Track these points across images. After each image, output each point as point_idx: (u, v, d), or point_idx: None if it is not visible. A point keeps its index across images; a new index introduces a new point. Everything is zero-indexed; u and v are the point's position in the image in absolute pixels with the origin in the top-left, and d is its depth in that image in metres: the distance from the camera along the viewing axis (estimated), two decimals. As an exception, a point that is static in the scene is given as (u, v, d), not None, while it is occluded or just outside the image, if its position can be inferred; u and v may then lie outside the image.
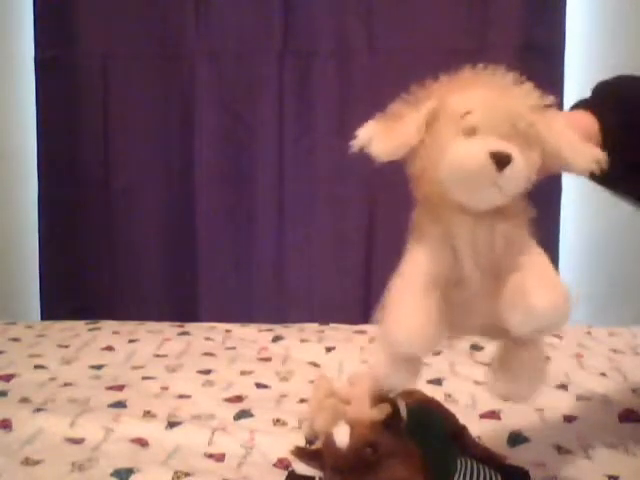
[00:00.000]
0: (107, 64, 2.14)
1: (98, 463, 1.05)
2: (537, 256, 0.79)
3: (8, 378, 1.40)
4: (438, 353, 1.51)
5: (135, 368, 1.47)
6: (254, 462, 1.07)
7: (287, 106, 2.11)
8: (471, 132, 0.75)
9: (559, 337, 1.58)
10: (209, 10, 2.09)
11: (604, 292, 2.03)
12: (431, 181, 0.77)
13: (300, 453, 0.92)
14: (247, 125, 2.14)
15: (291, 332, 1.71)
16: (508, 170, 0.72)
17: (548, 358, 0.85)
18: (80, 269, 2.23)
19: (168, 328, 1.76)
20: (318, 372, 1.43)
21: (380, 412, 0.84)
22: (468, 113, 0.75)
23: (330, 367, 1.46)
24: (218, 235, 2.17)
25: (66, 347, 1.59)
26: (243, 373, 1.44)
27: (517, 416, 1.21)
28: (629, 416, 1.20)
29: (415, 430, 0.87)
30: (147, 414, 1.23)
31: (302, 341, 1.65)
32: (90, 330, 1.73)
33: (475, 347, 1.56)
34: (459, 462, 0.90)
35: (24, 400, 1.29)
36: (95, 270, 2.23)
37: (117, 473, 1.01)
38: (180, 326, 1.78)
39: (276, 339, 1.66)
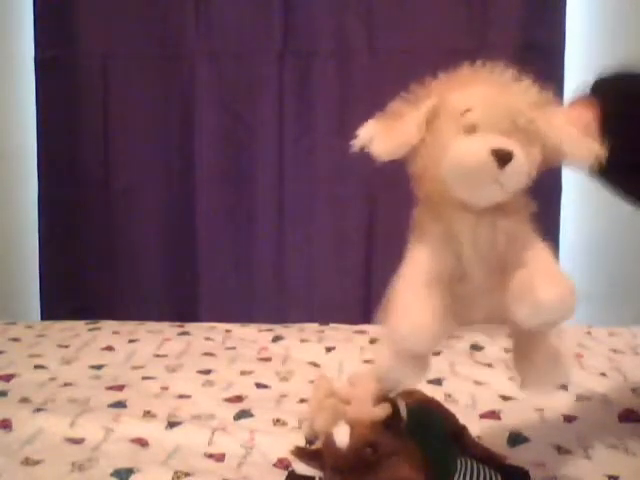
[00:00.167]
0: (107, 64, 2.14)
1: (98, 463, 1.05)
2: (541, 251, 0.79)
3: (8, 378, 1.39)
4: (438, 353, 1.51)
5: (135, 368, 1.47)
6: (254, 462, 1.07)
7: (287, 106, 2.11)
8: (472, 129, 0.75)
9: (559, 337, 1.58)
10: (209, 10, 2.09)
11: (604, 292, 2.03)
12: (432, 179, 0.77)
13: (300, 453, 0.92)
14: (247, 125, 2.14)
15: (291, 332, 1.71)
16: (509, 167, 0.73)
17: (560, 350, 0.85)
18: (80, 269, 2.23)
19: (168, 328, 1.76)
20: (318, 372, 1.43)
21: (380, 412, 0.84)
22: (468, 110, 0.76)
23: (330, 367, 1.46)
24: (218, 235, 2.17)
25: (66, 347, 1.59)
26: (243, 373, 1.44)
27: (517, 416, 1.21)
28: (629, 416, 1.20)
29: (415, 430, 0.87)
30: (147, 414, 1.23)
31: (302, 341, 1.65)
32: (90, 330, 1.73)
33: (475, 347, 1.57)
34: (459, 462, 0.90)
35: (24, 400, 1.29)
36: (95, 270, 2.23)
37: (117, 473, 1.01)
38: (180, 326, 1.78)
39: (276, 339, 1.66)
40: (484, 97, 0.77)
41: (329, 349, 1.58)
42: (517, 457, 1.04)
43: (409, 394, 0.97)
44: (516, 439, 1.12)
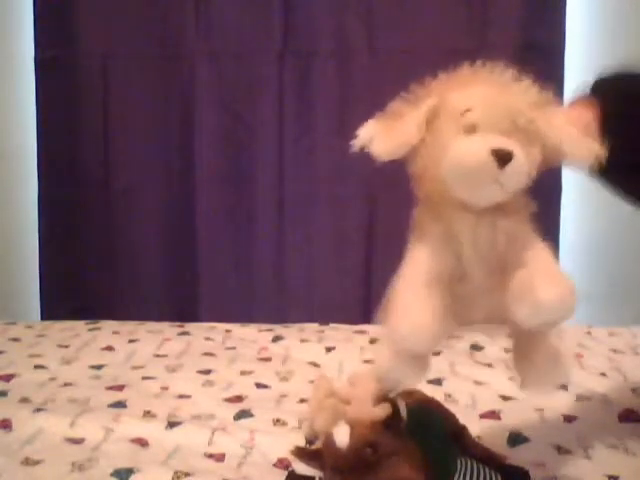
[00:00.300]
0: (107, 64, 2.14)
1: (98, 463, 1.05)
2: (541, 251, 0.79)
3: (8, 378, 1.39)
4: (438, 353, 1.51)
5: (135, 368, 1.47)
6: (254, 462, 1.07)
7: (287, 106, 2.11)
8: (472, 129, 0.75)
9: (559, 337, 1.58)
10: (209, 10, 2.09)
11: (604, 292, 2.03)
12: (432, 179, 0.77)
13: (300, 453, 0.92)
14: (247, 125, 2.14)
15: (291, 332, 1.71)
16: (509, 167, 0.73)
17: (560, 350, 0.86)
18: (80, 269, 2.23)
19: (168, 328, 1.76)
20: (318, 372, 1.43)
21: (380, 412, 0.84)
22: (468, 110, 0.76)
23: (330, 367, 1.46)
24: (218, 235, 2.17)
25: (66, 347, 1.59)
26: (243, 373, 1.44)
27: (517, 416, 1.21)
28: (629, 416, 1.20)
29: (415, 430, 0.87)
30: (147, 414, 1.23)
31: (302, 341, 1.65)
32: (90, 330, 1.73)
33: (475, 347, 1.57)
34: (459, 462, 0.90)
35: (24, 400, 1.29)
36: (95, 270, 2.23)
37: (117, 473, 1.01)
38: (180, 326, 1.78)
39: (276, 339, 1.66)
40: (484, 97, 0.77)
41: (329, 349, 1.58)
42: (517, 457, 1.04)
43: (409, 394, 0.97)
44: (516, 439, 1.12)
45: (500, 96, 0.77)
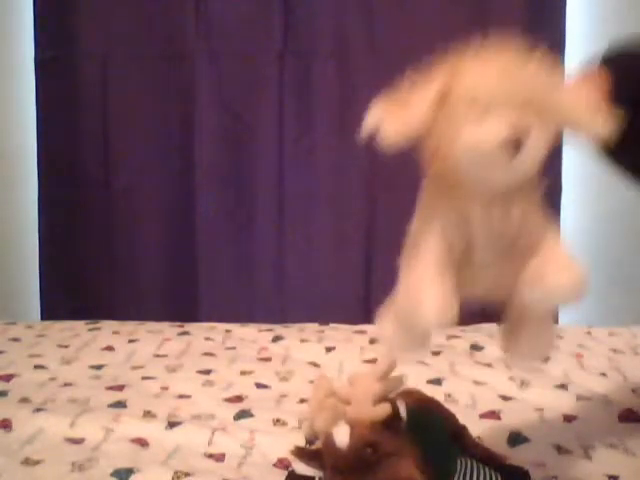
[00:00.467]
0: (107, 64, 2.13)
1: (98, 463, 1.05)
2: (552, 234, 0.79)
3: (8, 378, 1.39)
4: (438, 353, 1.52)
5: (135, 368, 1.47)
6: (254, 462, 1.07)
7: (287, 106, 2.11)
8: (484, 110, 0.73)
9: (559, 337, 1.58)
10: (209, 10, 2.09)
11: (604, 292, 2.03)
12: (444, 160, 0.76)
13: (300, 453, 0.92)
14: (247, 125, 2.14)
15: (291, 332, 1.71)
16: (524, 150, 0.72)
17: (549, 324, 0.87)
18: (80, 269, 2.23)
19: (168, 328, 1.76)
20: (318, 372, 1.43)
21: (380, 412, 0.84)
22: (480, 91, 0.74)
23: (330, 367, 1.46)
24: (218, 235, 2.17)
25: (66, 347, 1.59)
26: (243, 373, 1.44)
27: (517, 416, 1.21)
28: (629, 416, 1.20)
29: (415, 430, 0.87)
30: (147, 414, 1.23)
31: (302, 341, 1.65)
32: (90, 330, 1.73)
33: (475, 347, 1.57)
34: (459, 462, 0.90)
35: (24, 400, 1.29)
36: (95, 270, 2.23)
37: (117, 473, 1.01)
38: (180, 326, 1.78)
39: (276, 339, 1.66)
40: (496, 75, 0.74)
41: (329, 349, 1.58)
42: (517, 457, 1.04)
43: (409, 394, 0.97)
44: (516, 439, 1.12)
45: (512, 74, 0.75)
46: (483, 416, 1.22)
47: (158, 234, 2.20)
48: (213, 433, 1.15)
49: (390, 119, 0.76)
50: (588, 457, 1.07)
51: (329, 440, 0.83)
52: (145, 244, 2.21)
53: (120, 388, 1.35)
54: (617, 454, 1.07)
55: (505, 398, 1.29)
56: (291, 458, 1.00)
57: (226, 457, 1.08)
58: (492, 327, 1.69)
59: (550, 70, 0.77)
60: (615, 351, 1.54)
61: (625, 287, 2.13)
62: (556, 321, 1.59)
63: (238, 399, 1.31)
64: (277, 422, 1.20)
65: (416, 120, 0.75)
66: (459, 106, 0.74)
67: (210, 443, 1.12)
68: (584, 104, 0.78)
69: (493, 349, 1.54)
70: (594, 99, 0.81)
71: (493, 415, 1.22)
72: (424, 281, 0.77)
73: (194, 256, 2.18)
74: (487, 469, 0.91)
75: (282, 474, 1.01)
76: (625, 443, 1.10)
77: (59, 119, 2.17)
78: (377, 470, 0.82)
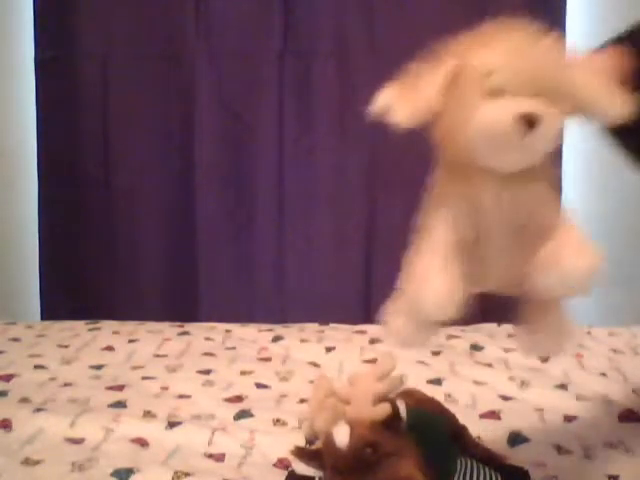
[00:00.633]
0: (107, 64, 2.13)
1: (98, 463, 1.05)
2: (566, 217, 0.78)
3: (8, 378, 1.39)
4: (438, 353, 1.52)
5: (135, 368, 1.47)
6: (254, 462, 1.07)
7: (287, 106, 2.11)
8: (497, 93, 0.72)
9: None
10: (209, 10, 2.09)
11: (604, 292, 2.03)
12: (455, 143, 0.75)
13: (300, 453, 0.92)
14: (247, 125, 2.14)
15: (291, 332, 1.71)
16: (537, 132, 0.70)
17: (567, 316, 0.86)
18: (80, 269, 2.23)
19: (168, 328, 1.76)
20: (318, 372, 1.43)
21: (380, 412, 0.83)
22: (492, 72, 0.72)
23: (330, 367, 1.46)
24: (218, 235, 2.17)
25: (66, 347, 1.59)
26: (243, 373, 1.44)
27: (517, 416, 1.21)
28: (629, 416, 1.20)
29: (415, 430, 0.87)
30: (147, 414, 1.23)
31: (302, 341, 1.65)
32: (90, 330, 1.73)
33: (475, 347, 1.57)
34: (459, 462, 0.90)
35: (24, 400, 1.29)
36: (95, 270, 2.23)
37: (117, 473, 1.01)
38: (180, 326, 1.78)
39: (276, 339, 1.66)
40: (508, 57, 0.73)
41: (329, 349, 1.58)
42: (517, 457, 1.04)
43: (409, 394, 0.97)
44: (516, 439, 1.12)
45: (524, 55, 0.73)
46: (483, 416, 1.22)
47: (158, 234, 2.20)
48: (213, 433, 1.15)
49: (400, 103, 0.74)
50: (588, 457, 1.07)
51: (329, 440, 0.83)
52: (145, 244, 2.21)
53: (120, 388, 1.35)
54: (617, 454, 1.07)
55: (505, 398, 1.29)
56: (291, 458, 1.00)
57: (226, 457, 1.08)
58: (492, 327, 1.69)
59: (565, 49, 0.76)
60: (615, 351, 1.54)
61: (625, 287, 2.13)
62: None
63: (238, 399, 1.31)
64: (277, 422, 1.20)
65: (426, 103, 0.73)
66: (471, 86, 0.73)
67: (210, 443, 1.12)
68: (600, 83, 0.76)
69: (493, 349, 1.54)
70: (611, 78, 0.78)
71: (493, 415, 1.22)
72: (430, 271, 0.76)
73: (194, 256, 2.18)
74: (487, 469, 0.91)
75: (282, 474, 1.01)
76: (625, 443, 1.10)
77: (59, 119, 2.16)
78: (377, 470, 0.82)
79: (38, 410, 1.22)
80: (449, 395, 1.29)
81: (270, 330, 1.72)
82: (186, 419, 1.20)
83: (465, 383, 1.37)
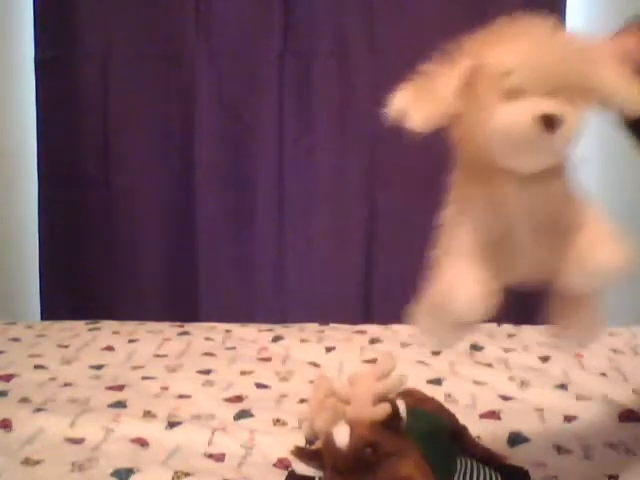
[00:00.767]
0: (107, 64, 2.13)
1: (98, 463, 1.05)
2: (595, 212, 0.78)
3: (8, 378, 1.39)
4: (438, 353, 1.52)
5: (135, 368, 1.47)
6: (254, 462, 1.07)
7: (287, 106, 2.11)
8: (515, 93, 0.70)
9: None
10: (209, 10, 2.09)
11: (604, 292, 2.03)
12: (474, 144, 0.74)
13: (300, 453, 0.92)
14: (247, 125, 2.14)
15: (291, 332, 1.71)
16: (558, 132, 0.69)
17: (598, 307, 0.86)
18: (80, 269, 2.23)
19: (168, 328, 1.76)
20: (318, 372, 1.43)
21: (380, 412, 0.83)
22: (510, 72, 0.71)
23: (330, 367, 1.46)
24: (218, 235, 2.17)
25: (66, 347, 1.59)
26: (243, 373, 1.44)
27: (517, 416, 1.21)
28: (629, 416, 1.20)
29: (415, 430, 0.87)
30: (147, 414, 1.23)
31: (302, 341, 1.65)
32: (90, 330, 1.73)
33: (475, 347, 1.57)
34: (459, 462, 0.90)
35: (24, 400, 1.29)
36: (95, 270, 2.23)
37: (117, 473, 1.01)
38: (180, 326, 1.78)
39: (276, 339, 1.66)
40: (526, 55, 0.71)
41: (329, 349, 1.58)
42: (517, 457, 1.04)
43: (409, 394, 0.97)
44: (516, 439, 1.12)
45: (543, 52, 0.71)
46: (483, 416, 1.22)
47: (158, 234, 2.20)
48: (213, 433, 1.15)
49: (415, 106, 0.73)
50: (588, 457, 1.07)
51: (329, 440, 0.83)
52: (145, 244, 2.21)
53: (120, 388, 1.35)
54: (617, 454, 1.07)
55: (505, 398, 1.29)
56: (291, 458, 1.00)
57: (226, 457, 1.08)
58: (492, 327, 1.69)
59: (583, 43, 0.75)
60: (615, 351, 1.54)
61: (625, 287, 2.13)
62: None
63: (238, 399, 1.31)
64: (277, 422, 1.20)
65: (442, 106, 0.72)
66: (488, 87, 0.71)
67: (210, 443, 1.12)
68: (618, 75, 0.74)
69: (493, 349, 1.54)
70: (628, 67, 0.76)
71: (493, 415, 1.22)
72: (459, 272, 0.76)
73: (194, 256, 2.18)
74: (487, 469, 0.91)
75: (282, 474, 1.01)
76: (625, 443, 1.10)
77: (59, 119, 2.17)
78: (377, 470, 0.82)
79: (38, 410, 1.22)
80: (449, 395, 1.29)
81: (270, 330, 1.72)
82: (186, 419, 1.20)
83: (465, 383, 1.37)
